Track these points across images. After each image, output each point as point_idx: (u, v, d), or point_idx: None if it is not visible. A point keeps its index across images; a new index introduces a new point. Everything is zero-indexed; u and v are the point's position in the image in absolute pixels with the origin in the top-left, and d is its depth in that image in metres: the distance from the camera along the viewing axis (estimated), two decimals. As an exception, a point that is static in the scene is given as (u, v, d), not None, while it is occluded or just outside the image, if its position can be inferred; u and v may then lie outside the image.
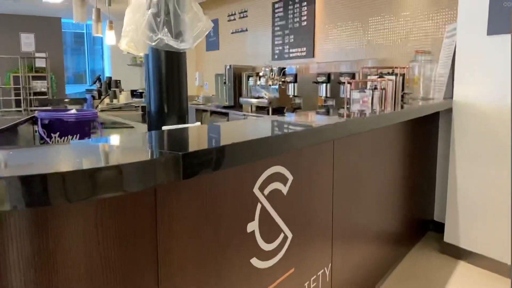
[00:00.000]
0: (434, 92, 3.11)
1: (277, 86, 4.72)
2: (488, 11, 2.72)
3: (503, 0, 2.64)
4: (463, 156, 2.93)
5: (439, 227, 3.36)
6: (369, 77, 3.20)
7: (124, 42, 1.40)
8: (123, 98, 3.98)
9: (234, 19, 6.40)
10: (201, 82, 7.61)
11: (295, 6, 5.04)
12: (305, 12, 4.89)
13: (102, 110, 3.58)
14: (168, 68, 1.49)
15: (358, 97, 2.81)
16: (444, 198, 3.23)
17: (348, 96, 2.98)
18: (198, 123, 1.36)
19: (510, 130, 2.65)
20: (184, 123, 1.56)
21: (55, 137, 1.67)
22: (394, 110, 2.77)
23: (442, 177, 3.34)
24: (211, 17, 7.10)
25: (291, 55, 5.21)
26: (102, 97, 3.77)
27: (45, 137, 1.64)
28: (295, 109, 4.47)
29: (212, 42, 7.14)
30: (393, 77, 3.13)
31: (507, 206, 2.71)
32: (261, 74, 5.04)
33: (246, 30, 6.14)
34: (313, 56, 4.85)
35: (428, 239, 3.35)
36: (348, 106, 2.87)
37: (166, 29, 1.38)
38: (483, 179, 2.83)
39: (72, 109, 1.80)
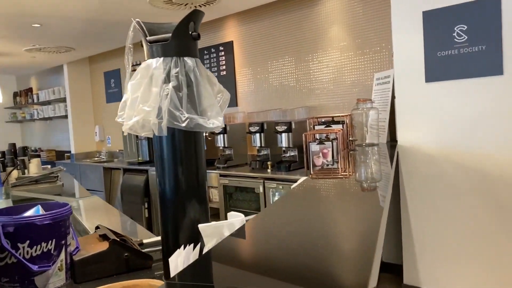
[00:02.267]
0: (377, 137, 3.20)
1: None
2: (424, 60, 2.90)
3: (437, 50, 2.84)
4: (414, 199, 3.02)
5: (389, 268, 3.40)
6: (316, 127, 3.19)
7: (132, 123, 1.12)
8: (34, 167, 3.39)
9: (140, 69, 6.05)
10: (102, 136, 7.00)
11: (212, 56, 4.94)
12: (223, 62, 4.81)
13: (14, 185, 2.98)
14: (187, 148, 1.23)
15: (318, 149, 2.75)
16: (389, 239, 3.29)
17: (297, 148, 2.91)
18: (242, 217, 1.11)
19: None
20: (206, 208, 1.30)
21: (23, 247, 1.28)
22: (349, 162, 2.75)
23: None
24: (110, 68, 6.66)
25: (210, 104, 5.04)
26: (10, 169, 3.16)
27: (9, 248, 1.25)
28: (226, 160, 4.28)
29: (113, 94, 6.65)
30: (340, 126, 3.17)
31: (462, 243, 2.82)
32: (181, 126, 4.78)
33: (155, 80, 5.83)
34: (236, 105, 4.75)
35: (383, 282, 3.35)
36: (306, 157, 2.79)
37: (189, 105, 1.14)
38: (436, 219, 2.93)
39: (35, 204, 1.40)
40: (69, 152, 7.40)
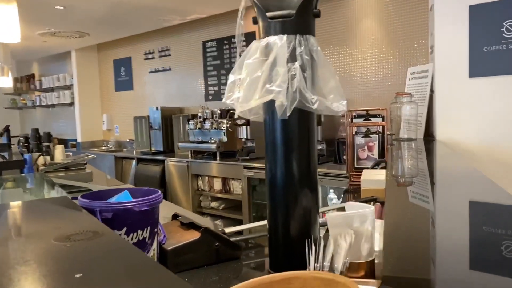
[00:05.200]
0: (415, 132, 3.16)
1: (224, 129, 4.42)
2: (468, 55, 2.86)
3: (483, 45, 2.80)
4: (453, 194, 2.99)
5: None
6: (355, 120, 3.13)
7: (256, 105, 1.06)
8: (59, 153, 3.28)
9: (153, 58, 5.94)
10: (110, 125, 6.86)
11: (232, 46, 4.85)
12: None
13: (46, 172, 2.88)
14: (301, 133, 1.17)
15: (363, 142, 2.70)
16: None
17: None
18: (371, 208, 1.05)
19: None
20: (316, 197, 1.25)
21: (120, 235, 1.21)
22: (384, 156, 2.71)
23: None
24: (120, 56, 6.53)
25: (229, 95, 4.96)
26: (37, 155, 3.05)
27: (107, 236, 1.15)
28: (248, 152, 4.21)
29: (123, 82, 6.52)
30: (378, 120, 3.12)
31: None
32: (200, 115, 4.69)
33: (169, 69, 5.73)
34: (257, 97, 4.67)
35: None
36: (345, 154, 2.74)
37: (312, 87, 1.08)
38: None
39: (121, 189, 1.33)
40: (73, 140, 7.25)
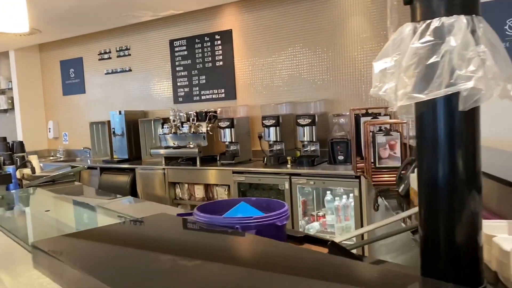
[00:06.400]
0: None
1: (203, 133, 4.17)
2: (471, 52, 2.91)
3: (486, 42, 2.87)
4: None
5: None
6: (363, 119, 3.07)
7: (440, 95, 0.91)
8: (36, 165, 2.86)
9: (109, 58, 5.48)
10: (57, 133, 6.24)
11: (205, 45, 4.60)
12: (220, 51, 4.50)
13: (31, 186, 2.46)
14: (468, 128, 1.05)
15: (384, 140, 2.63)
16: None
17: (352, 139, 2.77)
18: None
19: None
20: (481, 200, 1.13)
21: None
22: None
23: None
24: (67, 56, 5.98)
25: (203, 97, 4.70)
26: (20, 167, 2.62)
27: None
28: (233, 156, 4.00)
29: (72, 85, 5.96)
30: (386, 118, 3.09)
31: None
32: (173, 119, 4.39)
33: (129, 70, 5.32)
34: (235, 98, 4.47)
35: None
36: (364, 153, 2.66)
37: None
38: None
39: (235, 200, 1.13)
40: (11, 151, 6.50)
